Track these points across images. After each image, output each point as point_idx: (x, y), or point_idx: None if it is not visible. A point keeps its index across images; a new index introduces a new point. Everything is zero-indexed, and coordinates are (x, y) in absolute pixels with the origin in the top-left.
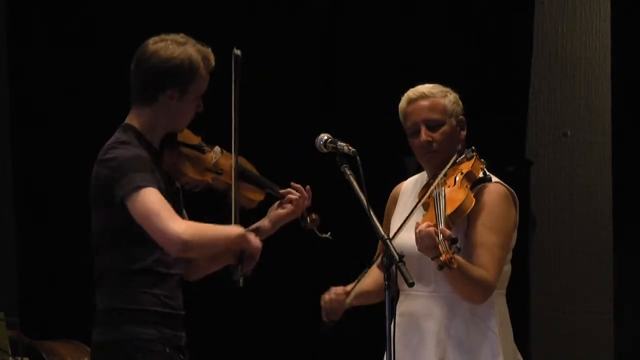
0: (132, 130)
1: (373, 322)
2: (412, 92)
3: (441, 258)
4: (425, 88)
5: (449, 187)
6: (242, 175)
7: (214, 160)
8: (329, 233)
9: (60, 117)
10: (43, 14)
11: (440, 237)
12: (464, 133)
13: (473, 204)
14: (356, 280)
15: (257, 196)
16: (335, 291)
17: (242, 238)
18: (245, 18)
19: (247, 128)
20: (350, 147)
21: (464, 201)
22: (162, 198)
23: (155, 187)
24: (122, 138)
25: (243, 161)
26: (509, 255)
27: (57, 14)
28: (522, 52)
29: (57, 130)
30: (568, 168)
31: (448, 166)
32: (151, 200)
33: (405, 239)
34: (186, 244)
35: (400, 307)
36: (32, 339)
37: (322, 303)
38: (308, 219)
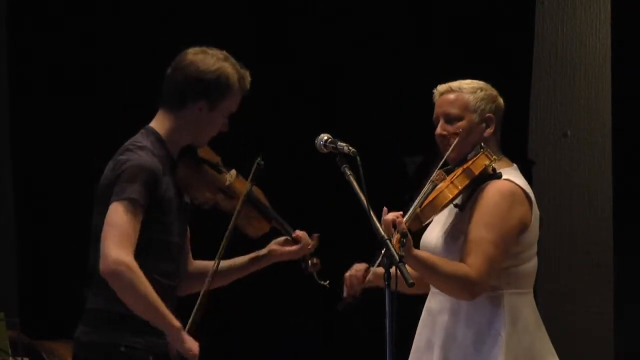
0: (154, 135)
1: (380, 323)
2: (441, 85)
3: None
4: (456, 82)
5: (444, 181)
6: (253, 203)
7: (228, 182)
8: (328, 282)
9: (60, 117)
10: (42, 14)
11: (396, 229)
12: (489, 130)
13: (448, 199)
14: (377, 260)
15: (262, 227)
16: (357, 267)
17: (176, 332)
18: (244, 19)
19: (247, 128)
20: (350, 147)
21: (437, 195)
22: (136, 225)
23: (141, 207)
24: (141, 142)
25: (257, 192)
26: (531, 251)
27: (56, 13)
28: (522, 52)
29: (57, 130)
30: (568, 168)
31: (442, 160)
32: (123, 218)
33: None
34: (112, 274)
35: (426, 304)
36: (32, 339)
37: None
38: (310, 262)
